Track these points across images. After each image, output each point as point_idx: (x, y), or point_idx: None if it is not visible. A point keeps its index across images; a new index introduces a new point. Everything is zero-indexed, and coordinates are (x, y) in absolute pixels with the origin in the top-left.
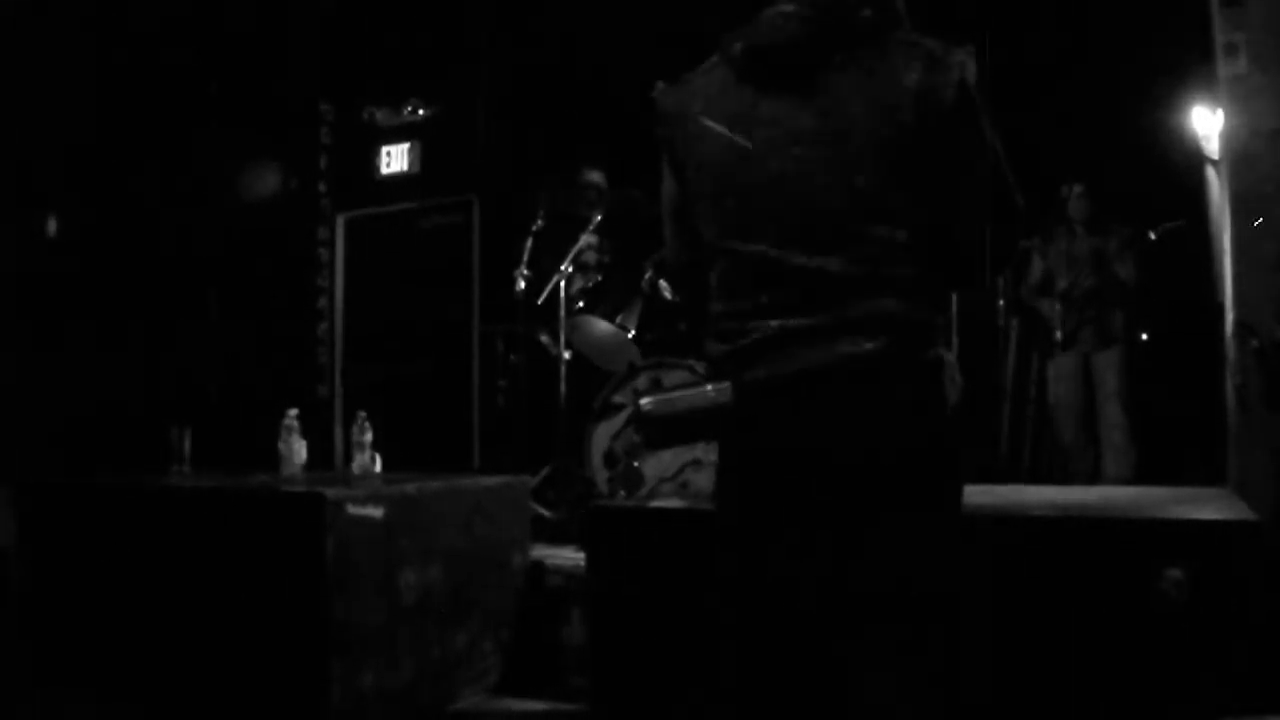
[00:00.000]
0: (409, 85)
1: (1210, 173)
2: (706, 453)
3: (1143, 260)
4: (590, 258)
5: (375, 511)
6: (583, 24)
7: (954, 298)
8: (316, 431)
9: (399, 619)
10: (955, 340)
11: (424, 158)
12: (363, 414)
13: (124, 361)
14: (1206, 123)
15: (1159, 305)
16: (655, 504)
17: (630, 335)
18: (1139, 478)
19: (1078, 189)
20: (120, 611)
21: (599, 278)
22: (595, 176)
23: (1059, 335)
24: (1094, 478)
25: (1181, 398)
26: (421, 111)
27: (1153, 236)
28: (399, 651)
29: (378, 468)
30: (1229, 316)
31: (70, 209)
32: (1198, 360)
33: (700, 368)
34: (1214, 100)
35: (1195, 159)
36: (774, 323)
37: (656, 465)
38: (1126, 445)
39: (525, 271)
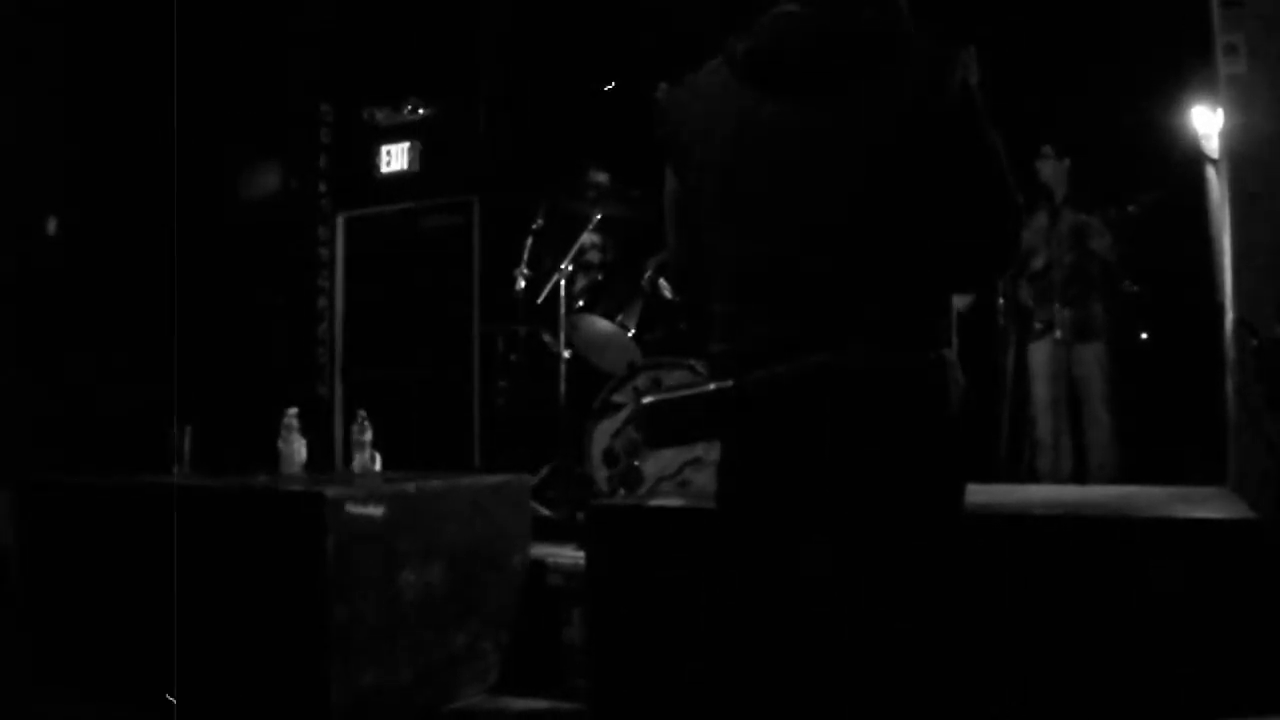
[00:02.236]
0: (409, 84)
1: (1210, 172)
2: (707, 451)
3: (1124, 235)
4: (593, 257)
5: (375, 511)
6: (584, 23)
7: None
8: (316, 431)
9: (399, 618)
10: (955, 340)
11: (424, 157)
12: (363, 413)
13: (124, 361)
14: (1206, 122)
15: (1152, 299)
16: (655, 503)
17: (630, 334)
18: (1126, 477)
19: (1048, 149)
20: (120, 611)
21: (599, 277)
22: (599, 177)
23: (1039, 326)
24: (1075, 476)
25: (1180, 396)
26: (421, 111)
27: (1131, 209)
28: (398, 651)
29: (378, 467)
30: (1228, 315)
31: (70, 209)
32: (1196, 358)
33: (701, 367)
34: (1214, 100)
35: (1195, 158)
36: (776, 323)
37: (656, 464)
38: (1110, 445)
39: (525, 271)
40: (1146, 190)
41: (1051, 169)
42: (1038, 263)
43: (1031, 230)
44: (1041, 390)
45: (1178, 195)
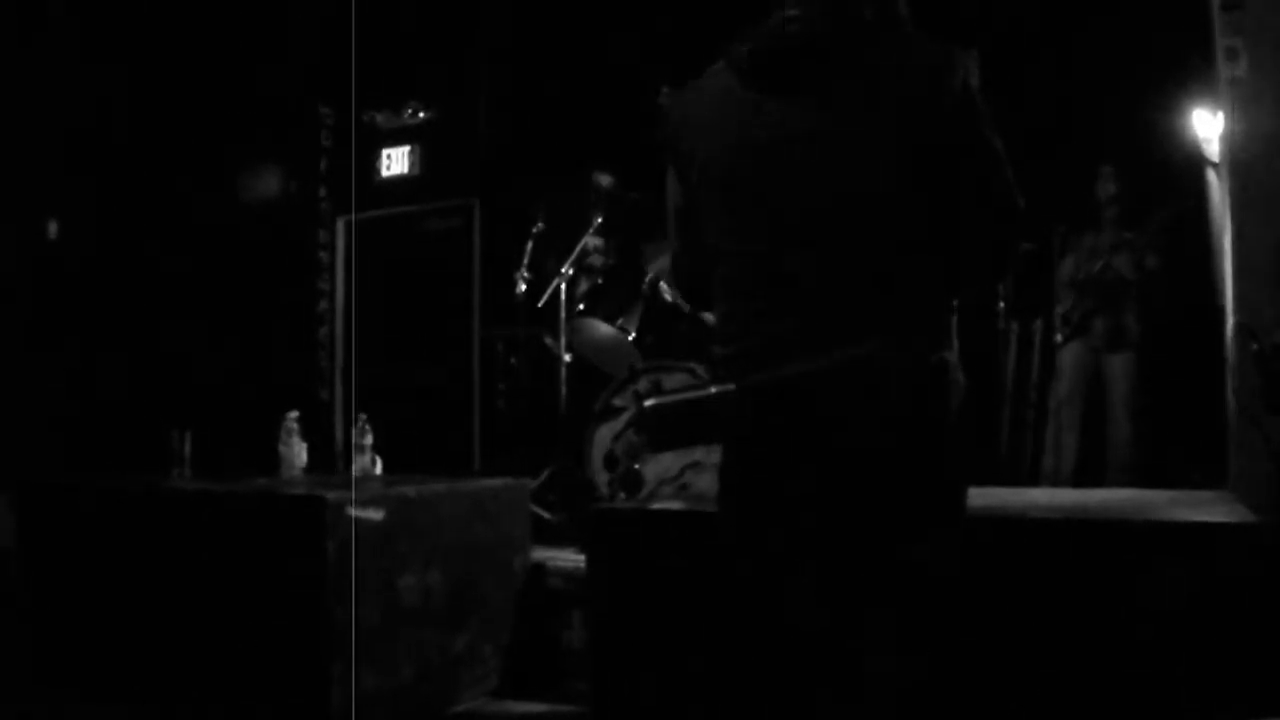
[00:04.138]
0: (409, 88)
1: (1211, 175)
2: (707, 455)
3: (1150, 247)
4: (594, 260)
5: (376, 514)
6: (584, 26)
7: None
8: (317, 434)
9: (399, 621)
10: (955, 342)
11: (424, 160)
12: (363, 416)
13: (124, 363)
14: (1207, 126)
15: (1160, 304)
16: (656, 506)
17: (631, 337)
18: (1134, 479)
19: (1107, 169)
20: (120, 613)
21: (600, 280)
22: (603, 180)
23: (1060, 336)
24: (1076, 478)
25: (1181, 399)
26: (422, 114)
27: (1164, 218)
28: (399, 654)
29: (378, 470)
30: (1229, 319)
31: (71, 210)
32: (1197, 362)
33: (701, 370)
34: (1215, 103)
35: (1196, 162)
36: (777, 325)
37: (657, 467)
38: (1130, 457)
39: (526, 274)
40: (1172, 202)
41: (1105, 187)
42: (1079, 273)
43: (1083, 247)
44: (1067, 393)
45: (1197, 205)
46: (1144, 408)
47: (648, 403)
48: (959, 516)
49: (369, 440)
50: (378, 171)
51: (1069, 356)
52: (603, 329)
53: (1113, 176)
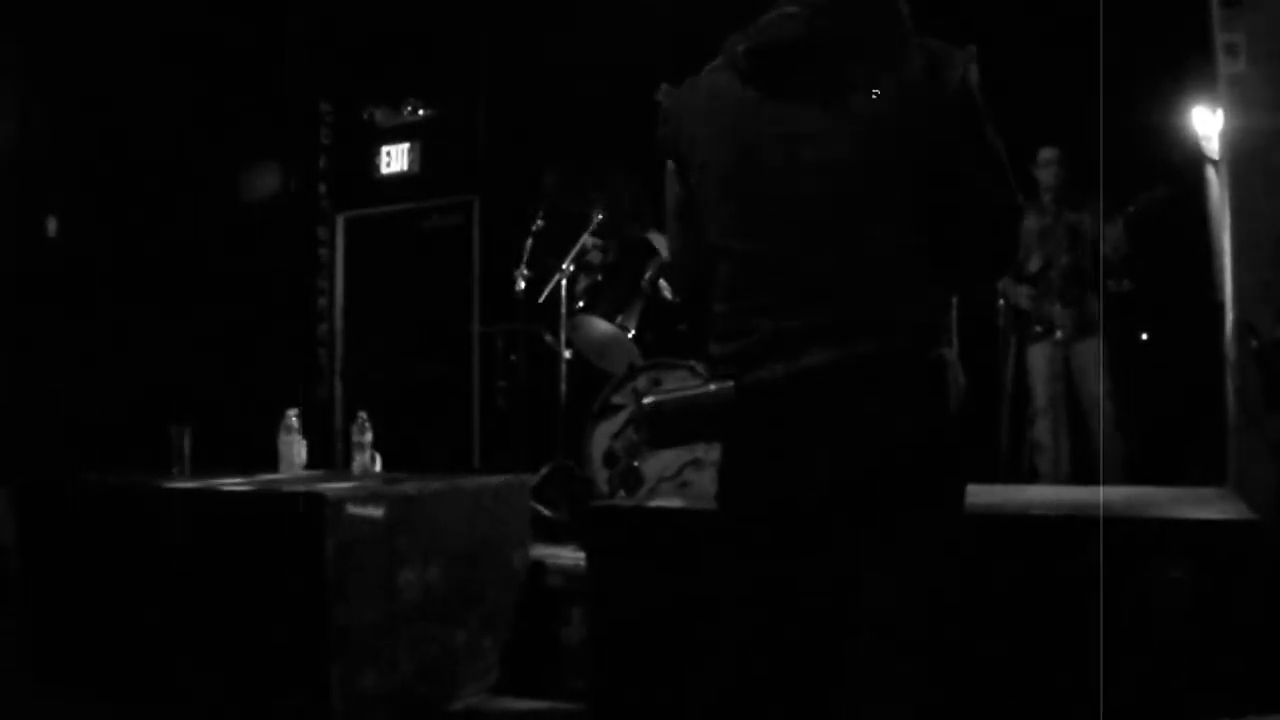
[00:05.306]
0: (409, 85)
1: (1210, 173)
2: (707, 453)
3: (1129, 231)
4: (594, 258)
5: (375, 511)
6: (584, 23)
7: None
8: (316, 431)
9: (399, 618)
10: (955, 340)
11: (424, 157)
12: (363, 414)
13: (124, 361)
14: (1206, 123)
15: (1151, 298)
16: (655, 504)
17: (630, 335)
18: (1132, 477)
19: (1049, 154)
20: (120, 612)
21: (599, 278)
22: (603, 177)
23: (1038, 328)
24: (1074, 477)
25: (1180, 396)
26: (421, 111)
27: (1132, 210)
28: (399, 651)
29: (378, 467)
30: (1229, 316)
31: (70, 208)
32: (1196, 358)
33: (700, 368)
34: (1214, 100)
35: (1195, 159)
36: (776, 323)
37: (656, 465)
38: (1121, 443)
39: (525, 271)
40: (1157, 185)
41: (1047, 171)
42: (1034, 264)
43: (1025, 231)
44: (1041, 391)
45: (1186, 191)
46: (1138, 400)
47: (647, 400)
48: (958, 513)
49: (368, 437)
50: (377, 168)
51: (1041, 358)
52: (602, 326)
53: (1057, 162)
